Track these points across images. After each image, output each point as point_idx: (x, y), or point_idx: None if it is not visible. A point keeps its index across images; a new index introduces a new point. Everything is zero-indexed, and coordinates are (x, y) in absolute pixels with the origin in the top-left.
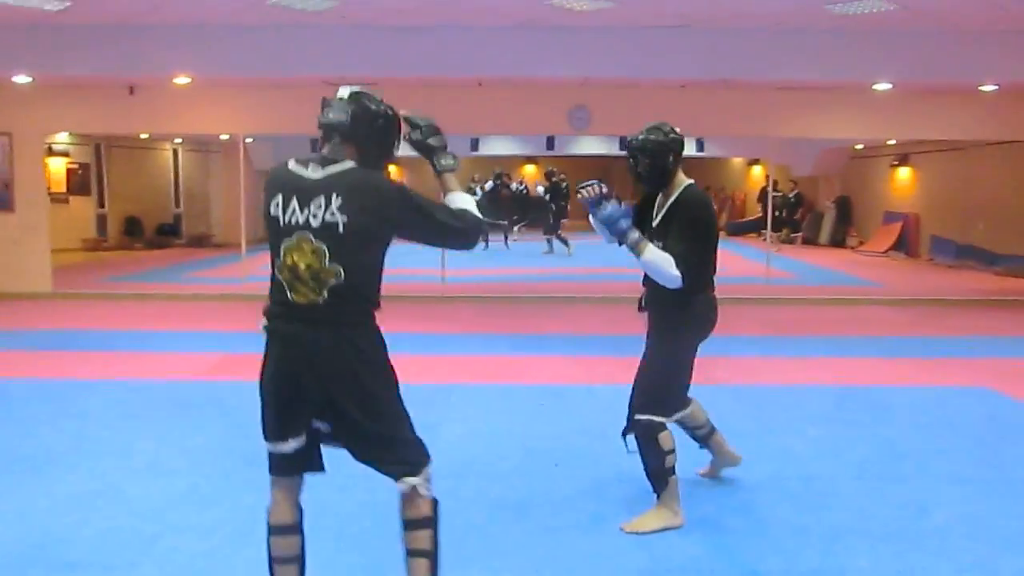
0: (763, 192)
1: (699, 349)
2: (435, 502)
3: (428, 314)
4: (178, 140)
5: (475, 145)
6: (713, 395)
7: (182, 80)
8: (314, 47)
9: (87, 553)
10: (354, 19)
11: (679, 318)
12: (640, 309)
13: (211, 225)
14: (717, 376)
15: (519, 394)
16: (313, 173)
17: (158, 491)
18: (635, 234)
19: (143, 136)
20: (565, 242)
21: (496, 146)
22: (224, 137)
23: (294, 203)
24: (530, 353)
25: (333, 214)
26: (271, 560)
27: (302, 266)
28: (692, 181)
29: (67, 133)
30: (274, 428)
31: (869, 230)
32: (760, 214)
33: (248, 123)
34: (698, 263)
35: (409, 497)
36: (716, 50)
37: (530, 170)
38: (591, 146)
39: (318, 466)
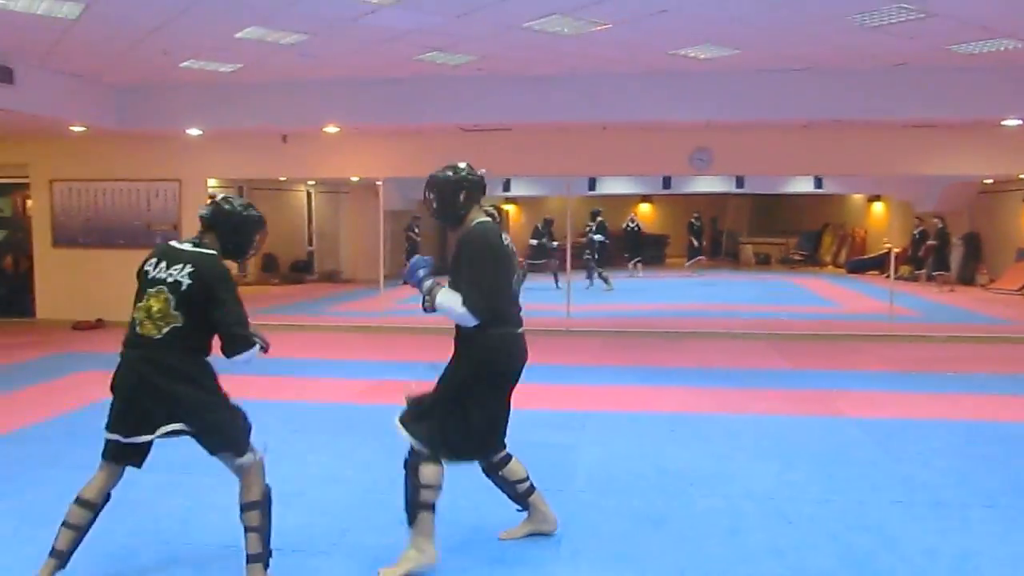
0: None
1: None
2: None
3: (555, 347)
4: (311, 182)
5: (592, 185)
6: (838, 427)
7: (331, 129)
8: (452, 97)
9: (287, 542)
10: (490, 70)
11: (464, 354)
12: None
13: (340, 262)
14: (841, 408)
15: (650, 421)
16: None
17: (338, 495)
18: (428, 281)
19: (281, 179)
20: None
21: (613, 185)
22: (355, 179)
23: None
24: (657, 384)
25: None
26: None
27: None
28: (486, 219)
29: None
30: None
31: (1000, 267)
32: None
33: (385, 167)
34: (484, 297)
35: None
36: (838, 90)
37: (644, 208)
38: (708, 184)
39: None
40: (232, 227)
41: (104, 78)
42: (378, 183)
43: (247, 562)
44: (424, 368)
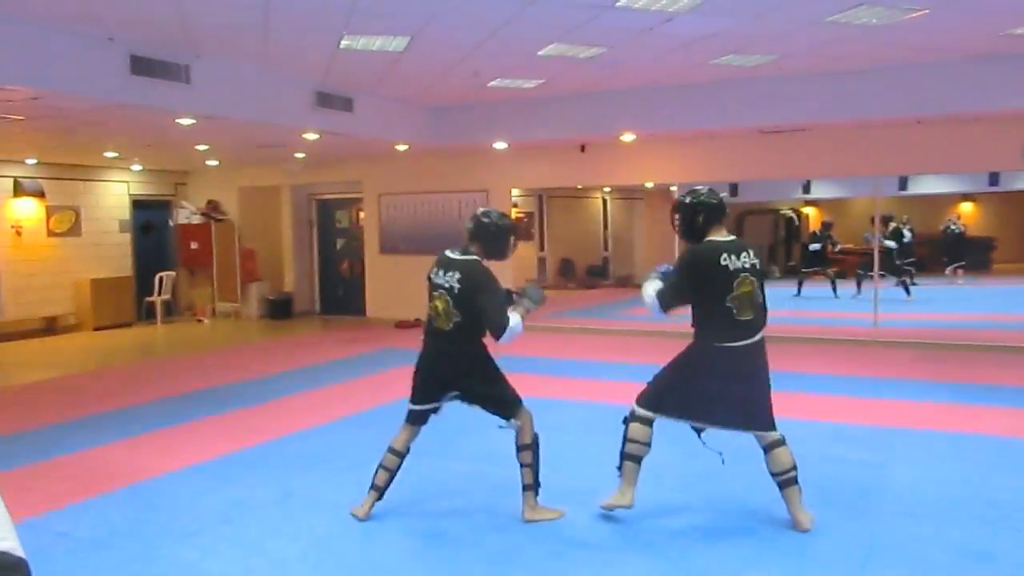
0: None
1: None
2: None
3: (861, 358)
4: (607, 189)
5: (904, 184)
6: None
7: (627, 137)
8: (749, 98)
9: (583, 535)
10: (789, 70)
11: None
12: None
13: (635, 267)
14: None
15: (971, 443)
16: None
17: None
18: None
19: (578, 187)
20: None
21: (927, 184)
22: (649, 185)
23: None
24: (980, 403)
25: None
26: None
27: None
28: (724, 238)
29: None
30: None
31: None
32: None
33: (681, 171)
34: (668, 297)
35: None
36: None
37: (966, 208)
38: None
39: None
40: (491, 235)
41: (423, 100)
42: (672, 188)
43: (523, 490)
44: None
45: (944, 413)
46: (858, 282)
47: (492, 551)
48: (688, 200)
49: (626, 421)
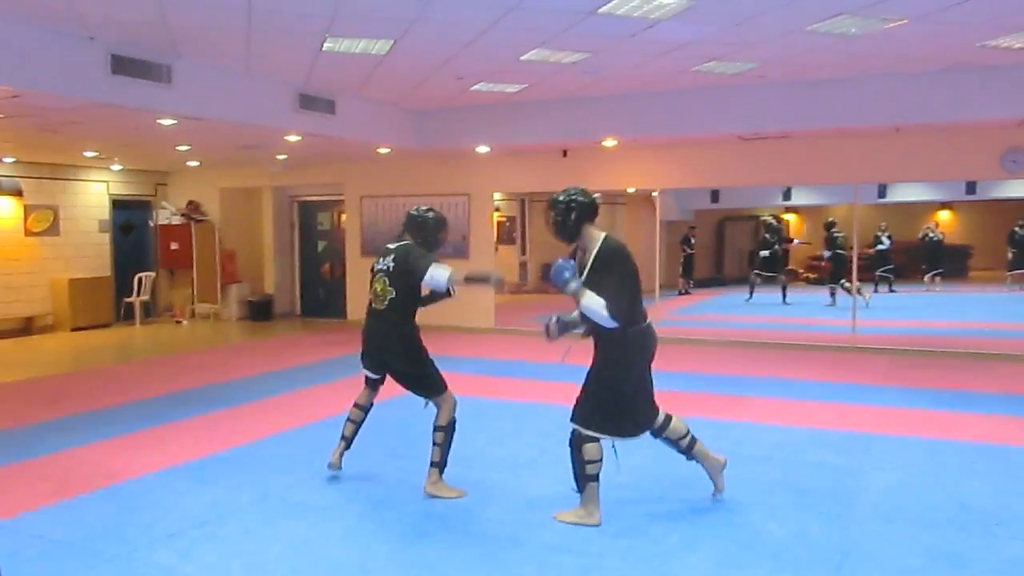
0: None
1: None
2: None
3: (839, 364)
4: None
5: (882, 192)
6: None
7: (609, 142)
8: (731, 105)
9: (563, 540)
10: (770, 77)
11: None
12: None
13: None
14: None
15: (946, 449)
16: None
17: (610, 500)
18: (574, 283)
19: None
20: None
21: (906, 192)
22: (631, 190)
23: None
24: (955, 409)
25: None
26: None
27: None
28: (604, 233)
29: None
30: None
31: None
32: None
33: (662, 177)
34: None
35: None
36: None
37: (944, 216)
38: (1022, 188)
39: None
40: (417, 226)
41: (406, 103)
42: (654, 194)
43: (430, 465)
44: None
45: (920, 419)
46: (831, 291)
47: (472, 554)
48: (560, 198)
49: (576, 444)
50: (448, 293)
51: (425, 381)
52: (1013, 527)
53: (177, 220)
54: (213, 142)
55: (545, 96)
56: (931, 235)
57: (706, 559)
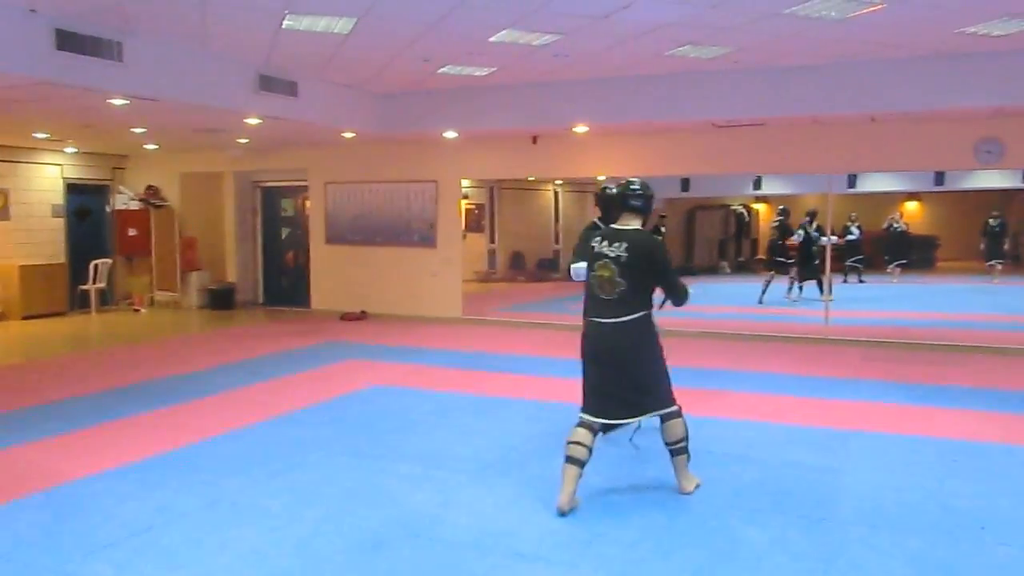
0: None
1: None
2: None
3: (813, 356)
4: (559, 182)
5: (852, 182)
6: None
7: (580, 129)
8: (705, 92)
9: (533, 547)
10: (745, 63)
11: None
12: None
13: None
14: None
15: (925, 447)
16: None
17: (581, 504)
18: None
19: (529, 179)
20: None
21: (876, 182)
22: (601, 178)
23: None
24: (932, 404)
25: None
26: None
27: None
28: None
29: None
30: None
31: None
32: None
33: (634, 165)
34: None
35: None
36: None
37: (912, 207)
38: (989, 180)
39: None
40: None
41: (371, 86)
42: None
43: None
44: None
45: (896, 415)
46: (792, 282)
47: (435, 564)
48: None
49: None
50: None
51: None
52: (999, 531)
53: (135, 205)
54: (169, 124)
55: (514, 80)
56: (895, 225)
57: (681, 568)
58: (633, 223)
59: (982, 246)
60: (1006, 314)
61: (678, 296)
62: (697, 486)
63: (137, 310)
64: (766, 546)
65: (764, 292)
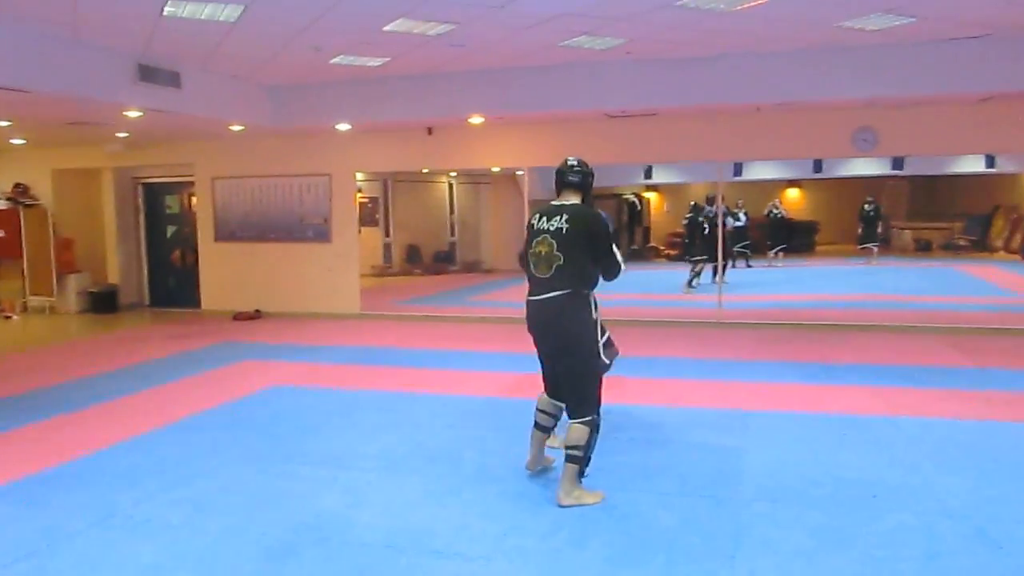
0: None
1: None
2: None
3: (709, 339)
4: (453, 174)
5: (738, 170)
6: None
7: (476, 120)
8: (599, 83)
9: (448, 543)
10: (637, 54)
11: None
12: None
13: (481, 252)
14: None
15: (818, 423)
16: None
17: (493, 496)
18: None
19: (424, 171)
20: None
21: (760, 170)
22: (495, 170)
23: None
24: (821, 382)
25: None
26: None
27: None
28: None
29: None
30: None
31: None
32: None
33: (530, 156)
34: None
35: None
36: (1021, 59)
37: (792, 194)
38: (863, 167)
39: None
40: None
41: (260, 78)
42: (519, 173)
43: None
44: None
45: (790, 394)
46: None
47: (348, 567)
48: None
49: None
50: None
51: None
52: (888, 499)
53: (3, 205)
54: (38, 117)
55: (409, 71)
56: (775, 212)
57: (600, 556)
58: (572, 199)
59: (859, 230)
60: (883, 294)
61: (611, 270)
62: (596, 503)
63: (9, 317)
64: (678, 528)
65: (696, 277)
